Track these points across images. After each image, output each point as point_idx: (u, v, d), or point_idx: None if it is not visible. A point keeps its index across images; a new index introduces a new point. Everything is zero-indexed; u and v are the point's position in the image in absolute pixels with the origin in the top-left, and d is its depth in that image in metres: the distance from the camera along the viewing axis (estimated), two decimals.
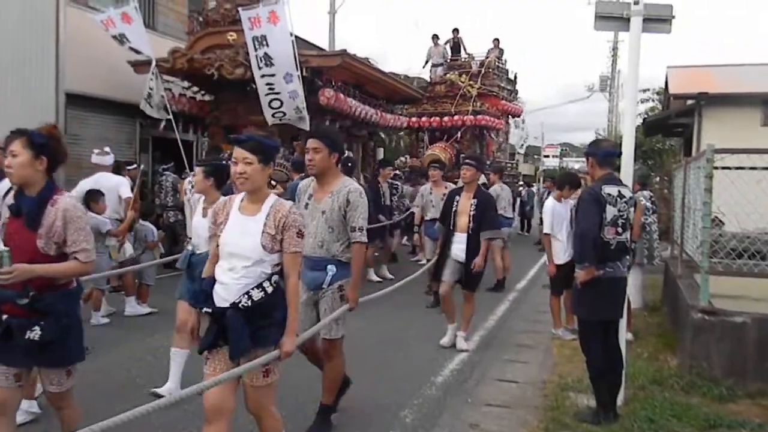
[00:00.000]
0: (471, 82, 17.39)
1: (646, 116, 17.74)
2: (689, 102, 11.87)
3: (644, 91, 25.40)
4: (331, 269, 3.88)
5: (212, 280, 3.01)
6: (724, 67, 13.39)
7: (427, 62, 18.70)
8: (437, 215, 7.34)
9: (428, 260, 7.70)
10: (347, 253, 3.90)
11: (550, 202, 6.97)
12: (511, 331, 7.20)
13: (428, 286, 8.32)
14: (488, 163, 17.95)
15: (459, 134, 16.75)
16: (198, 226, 4.43)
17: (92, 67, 10.77)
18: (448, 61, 18.67)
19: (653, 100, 23.62)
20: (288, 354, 2.96)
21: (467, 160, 6.24)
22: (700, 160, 5.47)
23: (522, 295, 9.53)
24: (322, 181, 3.92)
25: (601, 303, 4.31)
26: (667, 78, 13.18)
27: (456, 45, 19.00)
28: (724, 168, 5.34)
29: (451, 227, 6.13)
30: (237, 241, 2.92)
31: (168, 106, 10.64)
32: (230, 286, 2.89)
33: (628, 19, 4.63)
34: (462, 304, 6.27)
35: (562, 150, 68.98)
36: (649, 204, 7.17)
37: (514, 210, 12.40)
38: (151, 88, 10.45)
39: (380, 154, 14.31)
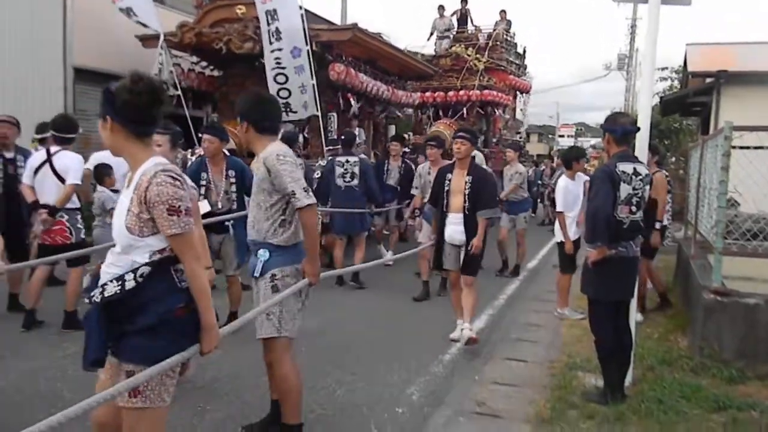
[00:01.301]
0: (478, 56, 16.68)
1: (663, 95, 17.39)
2: (708, 80, 11.59)
3: (662, 69, 24.94)
4: (263, 255, 3.33)
5: None
6: (745, 45, 13.05)
7: (431, 34, 17.78)
8: None
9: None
10: (283, 234, 3.31)
11: (562, 181, 6.89)
12: (521, 310, 7.15)
13: (417, 274, 8.06)
14: (495, 140, 17.51)
15: (465, 110, 16.09)
16: None
17: (100, 41, 10.69)
18: (455, 33, 17.84)
19: (671, 79, 23.21)
20: (204, 353, 2.40)
21: (460, 133, 5.67)
22: (718, 137, 5.32)
23: (532, 275, 9.48)
24: (255, 154, 3.46)
25: (613, 283, 4.23)
26: (686, 55, 12.87)
27: (463, 16, 18.15)
28: (742, 147, 5.20)
29: (444, 208, 5.62)
30: (114, 222, 2.41)
31: (177, 81, 10.55)
32: (102, 276, 2.37)
33: None
34: (463, 292, 5.71)
35: (577, 129, 68.41)
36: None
37: None
38: (161, 63, 10.35)
39: (392, 131, 14.12)
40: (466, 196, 5.46)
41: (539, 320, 6.68)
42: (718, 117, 10.83)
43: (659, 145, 15.92)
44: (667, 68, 22.43)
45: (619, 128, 4.22)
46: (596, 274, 4.23)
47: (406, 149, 9.92)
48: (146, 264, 2.28)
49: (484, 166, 8.61)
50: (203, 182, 5.35)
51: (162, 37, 10.21)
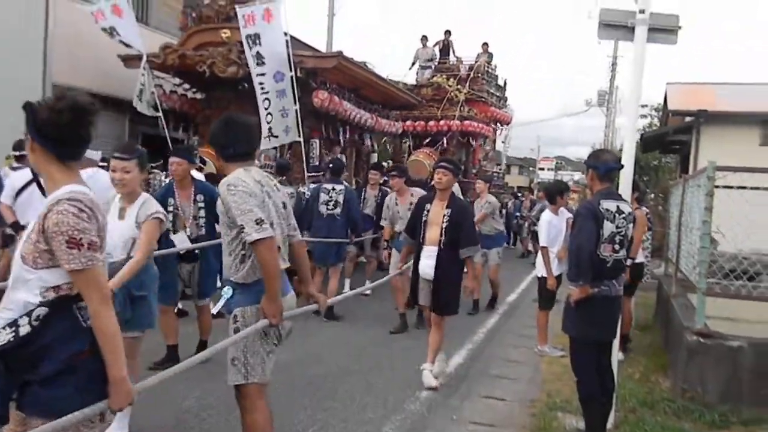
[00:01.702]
0: (459, 87, 16.66)
1: (643, 132, 17.60)
2: (688, 119, 11.74)
3: (642, 106, 25.36)
4: (226, 293, 3.15)
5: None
6: (724, 85, 13.28)
7: (413, 64, 17.80)
8: None
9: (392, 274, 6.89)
10: (241, 271, 3.06)
11: (546, 215, 6.83)
12: (501, 344, 7.04)
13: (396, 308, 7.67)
14: (474, 171, 17.37)
15: (445, 140, 15.96)
16: (113, 228, 3.63)
17: (81, 59, 10.54)
18: (437, 63, 17.89)
19: (651, 117, 23.57)
20: (114, 410, 2.10)
21: (442, 163, 5.40)
22: (701, 177, 5.31)
23: (512, 309, 9.38)
24: None
25: (595, 323, 4.13)
26: (666, 94, 13.08)
27: (446, 47, 18.19)
28: (725, 187, 5.19)
29: (421, 240, 5.30)
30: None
31: (158, 103, 10.41)
32: None
33: (633, 29, 4.48)
34: (431, 330, 5.41)
35: (557, 163, 69.15)
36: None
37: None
38: (142, 84, 10.23)
39: (374, 158, 14.06)
40: (444, 230, 5.13)
41: (519, 356, 6.57)
42: (697, 155, 10.96)
43: (639, 181, 16.14)
44: (647, 106, 22.80)
45: (602, 165, 4.16)
46: (578, 313, 4.13)
47: (386, 178, 9.74)
48: (41, 304, 2.01)
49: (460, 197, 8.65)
50: (170, 208, 5.14)
51: (145, 58, 10.10)
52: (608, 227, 4.04)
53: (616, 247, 4.08)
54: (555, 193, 6.96)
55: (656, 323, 7.95)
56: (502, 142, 53.75)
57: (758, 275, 5.33)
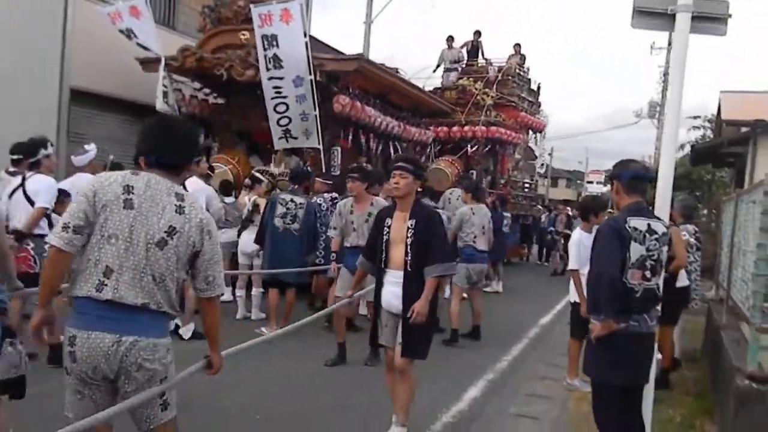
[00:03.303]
0: (486, 90, 15.56)
1: (694, 143, 16.59)
2: (743, 130, 10.82)
3: (695, 117, 24.19)
4: None
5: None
6: None
7: (438, 66, 16.68)
8: (360, 241, 5.80)
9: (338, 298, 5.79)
10: None
11: (576, 234, 6.10)
12: (525, 376, 6.32)
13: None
14: (503, 182, 16.39)
15: (469, 147, 14.78)
16: None
17: (100, 63, 10.30)
18: (464, 66, 16.82)
19: (704, 128, 22.42)
20: None
21: (399, 164, 4.24)
22: (756, 192, 4.55)
23: (545, 333, 8.61)
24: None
25: (621, 364, 3.44)
26: (720, 103, 12.23)
27: (474, 49, 17.11)
28: None
29: (383, 264, 4.24)
30: None
31: (176, 107, 10.10)
32: None
33: (674, 16, 3.80)
34: (392, 378, 4.34)
35: (607, 176, 67.32)
36: (692, 239, 6.32)
37: (501, 236, 10.98)
38: (165, 87, 9.93)
39: None
40: (409, 247, 4.08)
41: (545, 390, 5.87)
42: (753, 169, 10.01)
43: (690, 195, 15.20)
44: (699, 117, 21.68)
45: (627, 172, 3.48)
46: (602, 352, 3.46)
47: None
48: None
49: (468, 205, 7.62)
50: None
51: (163, 61, 9.80)
52: (637, 250, 3.36)
53: (647, 273, 3.39)
54: (590, 210, 6.20)
55: (704, 355, 7.11)
56: (549, 154, 52.94)
57: None
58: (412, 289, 4.04)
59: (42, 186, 5.43)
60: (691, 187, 19.29)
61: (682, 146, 25.04)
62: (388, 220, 4.24)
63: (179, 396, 2.79)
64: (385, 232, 4.22)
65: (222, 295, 2.74)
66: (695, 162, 15.80)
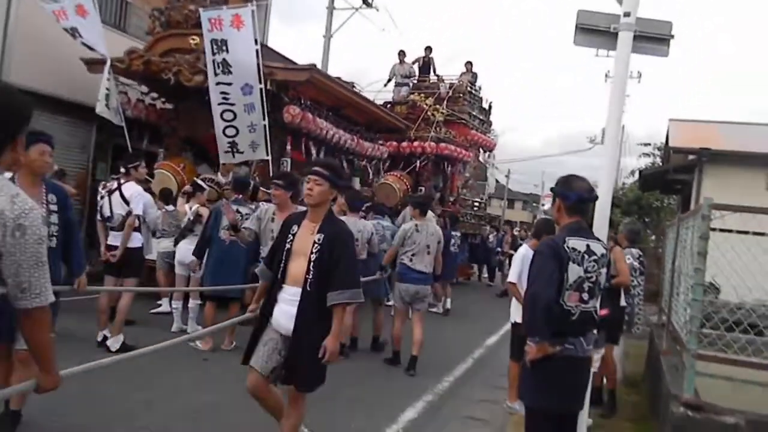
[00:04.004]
0: (437, 106, 15.43)
1: (643, 169, 16.90)
2: (690, 157, 11.03)
3: (646, 144, 24.76)
4: None
5: None
6: (730, 125, 12.68)
7: (389, 80, 16.40)
8: None
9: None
10: None
11: (523, 248, 6.02)
12: (466, 398, 6.17)
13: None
14: (452, 200, 16.19)
15: (418, 163, 14.54)
16: None
17: (43, 62, 9.89)
18: (415, 81, 16.70)
19: (654, 155, 22.93)
20: None
21: (315, 168, 3.73)
22: (695, 217, 4.53)
23: (489, 354, 8.49)
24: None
25: (555, 389, 3.30)
26: (668, 131, 12.43)
27: (426, 65, 17.03)
28: (723, 230, 4.41)
29: (280, 275, 3.71)
30: None
31: (121, 111, 9.74)
32: None
33: (616, 35, 3.75)
34: (286, 405, 3.76)
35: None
36: (636, 263, 6.32)
37: (450, 256, 10.67)
38: (107, 89, 9.56)
39: (356, 183, 13.28)
40: (312, 263, 3.59)
41: (484, 413, 5.73)
42: (699, 196, 10.22)
43: (637, 220, 15.42)
44: (650, 144, 22.16)
45: (572, 194, 3.37)
46: (536, 376, 3.32)
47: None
48: None
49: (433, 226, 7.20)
50: None
51: (108, 62, 9.45)
52: (575, 271, 3.25)
53: (584, 296, 3.28)
54: (542, 232, 6.13)
55: (645, 381, 7.09)
56: (506, 176, 53.59)
57: (754, 327, 4.53)
58: (308, 312, 3.55)
59: None
60: (640, 213, 19.64)
61: (632, 172, 25.61)
62: (295, 228, 3.74)
63: None
64: (288, 240, 3.72)
65: (46, 304, 2.16)
66: (644, 188, 16.11)
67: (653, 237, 18.60)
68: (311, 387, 3.62)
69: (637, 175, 19.93)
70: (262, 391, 3.68)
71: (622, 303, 5.87)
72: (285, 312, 3.61)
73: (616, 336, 6.03)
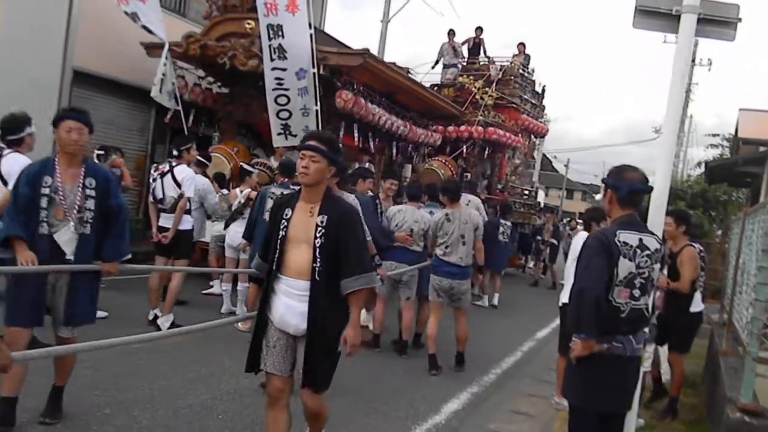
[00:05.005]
0: (486, 89, 14.74)
1: (710, 161, 16.16)
2: (761, 149, 10.49)
3: (714, 135, 23.77)
4: None
5: None
6: None
7: (437, 62, 15.66)
8: None
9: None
10: None
11: (579, 237, 5.79)
12: (512, 392, 6.03)
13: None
14: (500, 187, 15.51)
15: (465, 148, 13.97)
16: None
17: (105, 45, 10.17)
18: (464, 63, 16.00)
19: (722, 147, 21.99)
20: None
21: (310, 143, 3.22)
22: (761, 211, 4.25)
23: (540, 346, 8.30)
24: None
25: (601, 389, 3.16)
26: (738, 121, 11.87)
27: (476, 46, 16.28)
28: None
29: (276, 267, 3.25)
30: None
31: (178, 95, 9.91)
32: None
33: (678, 17, 3.53)
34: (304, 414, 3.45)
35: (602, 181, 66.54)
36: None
37: (497, 246, 10.24)
38: (163, 74, 9.74)
39: (407, 170, 13.15)
40: (318, 250, 3.15)
41: (530, 407, 5.58)
42: None
43: (702, 213, 14.80)
44: (718, 135, 21.23)
45: (624, 185, 3.19)
46: (581, 374, 3.19)
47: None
48: None
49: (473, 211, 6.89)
50: (45, 190, 3.67)
51: (167, 46, 9.63)
52: (625, 266, 3.09)
53: (635, 292, 3.12)
54: (591, 219, 5.93)
55: (704, 382, 6.79)
56: (566, 165, 52.45)
57: None
58: (322, 305, 3.14)
59: (18, 167, 4.95)
60: (706, 207, 18.83)
61: (698, 164, 24.61)
62: (288, 211, 3.25)
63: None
64: (282, 226, 3.23)
65: None
66: (711, 181, 15.40)
67: (719, 232, 17.80)
68: (325, 385, 3.27)
69: (703, 167, 19.13)
70: (286, 395, 3.28)
71: (696, 308, 5.59)
72: (291, 308, 3.19)
73: (687, 344, 5.73)
